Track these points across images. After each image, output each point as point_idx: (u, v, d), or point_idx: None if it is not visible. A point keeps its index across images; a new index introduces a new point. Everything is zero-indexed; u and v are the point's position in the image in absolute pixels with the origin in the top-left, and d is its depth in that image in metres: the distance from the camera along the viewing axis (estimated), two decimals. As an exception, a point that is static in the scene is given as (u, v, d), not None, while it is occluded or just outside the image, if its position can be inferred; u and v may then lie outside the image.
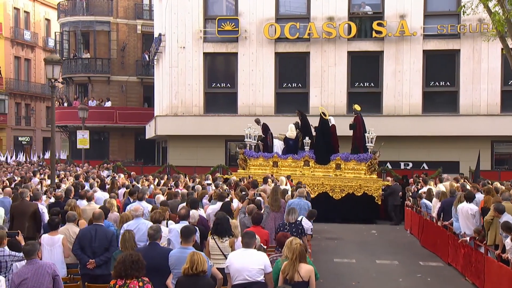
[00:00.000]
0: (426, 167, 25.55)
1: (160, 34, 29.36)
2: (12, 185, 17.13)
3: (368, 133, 21.32)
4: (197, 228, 9.40)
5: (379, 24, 25.85)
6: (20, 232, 9.38)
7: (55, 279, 7.35)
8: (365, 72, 26.88)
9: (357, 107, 22.32)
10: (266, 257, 7.84)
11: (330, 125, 22.04)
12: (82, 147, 31.18)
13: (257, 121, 23.22)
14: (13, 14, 51.51)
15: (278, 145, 23.06)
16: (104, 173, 26.20)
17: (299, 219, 11.00)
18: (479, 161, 22.79)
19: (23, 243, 8.73)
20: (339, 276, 13.02)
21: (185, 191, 15.09)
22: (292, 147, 22.46)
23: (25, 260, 8.01)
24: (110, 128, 40.93)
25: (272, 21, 26.53)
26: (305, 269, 7.30)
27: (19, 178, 21.18)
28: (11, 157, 43.12)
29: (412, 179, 21.44)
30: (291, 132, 22.51)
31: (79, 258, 9.40)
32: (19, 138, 53.40)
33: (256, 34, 26.73)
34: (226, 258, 8.81)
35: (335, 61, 26.37)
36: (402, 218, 21.65)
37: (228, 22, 26.77)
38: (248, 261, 7.64)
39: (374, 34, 26.06)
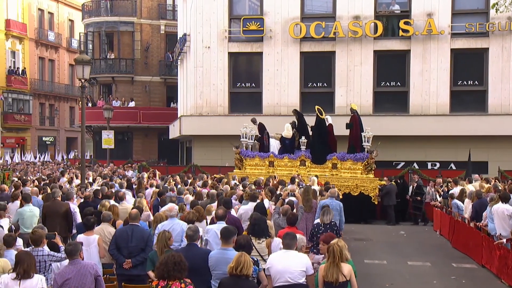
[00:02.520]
0: (453, 167, 25.25)
1: (184, 34, 29.39)
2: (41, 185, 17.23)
3: (365, 133, 21.03)
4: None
5: (406, 23, 25.58)
6: (57, 233, 9.39)
7: (97, 279, 7.34)
8: (391, 71, 26.63)
9: (353, 106, 22.08)
10: (307, 259, 7.72)
11: (327, 124, 21.82)
12: (107, 147, 31.34)
13: (253, 121, 23.10)
14: (37, 15, 52.05)
15: (274, 145, 22.91)
16: (129, 173, 26.27)
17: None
18: (469, 159, 22.65)
19: (60, 244, 8.79)
20: (371, 278, 12.80)
21: (214, 191, 15.00)
22: (288, 146, 22.29)
23: (65, 260, 8.07)
24: (133, 128, 41.15)
25: (297, 21, 26.40)
26: (347, 268, 7.22)
27: (46, 178, 21.31)
28: (36, 157, 43.58)
29: (441, 179, 21.17)
30: (288, 132, 22.31)
31: (116, 258, 9.38)
32: (43, 138, 53.96)
33: (281, 33, 26.62)
34: (263, 259, 8.75)
35: (361, 60, 26.16)
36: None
37: (253, 22, 26.70)
38: (290, 263, 7.50)
39: (400, 33, 25.82)
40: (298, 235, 8.35)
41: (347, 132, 21.94)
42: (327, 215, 10.55)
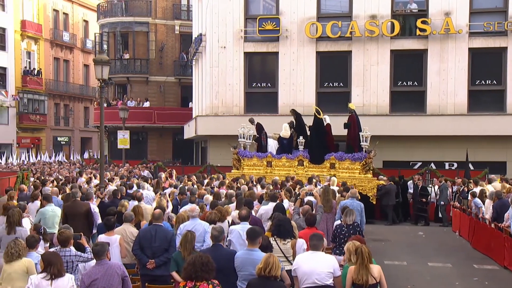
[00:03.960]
0: (471, 168, 25.00)
1: (200, 34, 29.36)
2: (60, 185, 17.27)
3: (363, 132, 20.94)
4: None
5: (423, 22, 25.33)
6: (82, 234, 9.40)
7: (124, 279, 7.35)
8: (408, 71, 26.38)
9: (351, 105, 21.98)
10: (335, 260, 7.68)
11: (325, 124, 21.74)
12: (123, 147, 31.39)
13: (251, 121, 23.06)
14: (52, 16, 52.35)
15: (272, 145, 22.88)
16: (145, 173, 26.29)
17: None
18: (467, 159, 22.57)
19: (86, 245, 8.80)
20: (392, 279, 12.64)
21: (232, 191, 14.94)
22: (286, 146, 22.24)
23: (91, 261, 8.09)
24: (148, 128, 41.23)
25: (313, 20, 26.26)
26: (376, 270, 7.22)
27: (63, 178, 21.39)
28: (51, 157, 43.80)
29: (460, 180, 20.97)
30: (285, 132, 22.28)
31: (139, 258, 9.37)
32: (58, 138, 54.28)
33: (297, 33, 26.49)
34: (288, 260, 8.69)
35: (378, 60, 25.97)
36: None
37: (269, 22, 26.58)
38: (317, 264, 7.47)
39: (418, 32, 25.55)
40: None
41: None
42: (350, 216, 10.48)
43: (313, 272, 7.40)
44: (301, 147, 21.71)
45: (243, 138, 22.51)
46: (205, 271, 6.44)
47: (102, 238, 9.66)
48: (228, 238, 9.42)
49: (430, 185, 22.00)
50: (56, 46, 52.76)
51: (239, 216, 9.77)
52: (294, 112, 22.72)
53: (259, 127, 22.90)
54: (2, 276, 7.82)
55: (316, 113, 21.58)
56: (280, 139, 22.49)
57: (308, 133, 22.09)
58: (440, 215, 21.23)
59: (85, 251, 8.50)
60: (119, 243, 9.71)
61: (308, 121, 22.15)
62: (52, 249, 8.45)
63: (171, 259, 8.67)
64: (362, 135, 20.86)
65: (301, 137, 21.87)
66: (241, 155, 22.08)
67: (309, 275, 7.41)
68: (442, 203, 21.02)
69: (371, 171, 20.98)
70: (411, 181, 22.12)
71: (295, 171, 21.07)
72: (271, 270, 6.60)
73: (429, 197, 21.33)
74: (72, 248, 8.31)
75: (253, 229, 8.04)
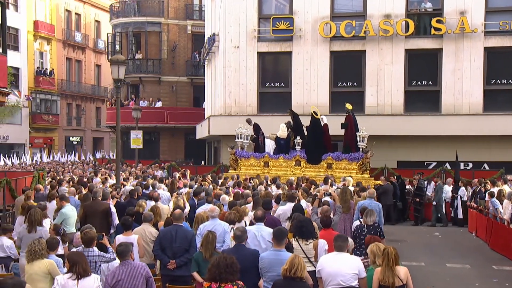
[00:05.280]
0: (487, 168, 24.86)
1: (213, 34, 29.32)
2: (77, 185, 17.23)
3: (360, 132, 20.86)
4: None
5: (438, 21, 25.17)
6: (104, 234, 9.39)
7: (148, 280, 7.31)
8: (423, 70, 26.21)
9: (348, 106, 21.83)
10: (360, 262, 7.59)
11: (322, 124, 21.64)
12: (136, 147, 31.34)
13: (248, 121, 23.01)
14: (64, 16, 52.51)
15: (269, 145, 22.80)
16: (158, 173, 26.26)
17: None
18: (457, 160, 22.33)
19: (108, 245, 8.77)
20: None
21: (248, 191, 14.86)
22: (283, 147, 22.23)
23: (114, 261, 8.09)
24: (160, 128, 41.26)
25: (327, 19, 26.16)
26: (403, 271, 7.13)
27: (77, 178, 21.36)
28: (63, 157, 43.92)
29: (477, 180, 20.80)
30: (282, 132, 22.24)
31: (160, 258, 9.34)
32: (70, 138, 54.44)
33: (311, 32, 26.40)
34: (310, 260, 8.61)
35: (392, 59, 25.83)
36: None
37: (282, 21, 26.50)
38: (342, 266, 7.37)
39: (432, 31, 25.40)
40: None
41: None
42: (370, 217, 10.39)
43: (338, 274, 7.31)
44: (298, 147, 21.76)
45: (241, 138, 22.54)
46: (230, 272, 6.41)
47: (120, 238, 9.63)
48: None
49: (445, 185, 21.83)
50: (68, 46, 52.96)
51: (254, 217, 9.69)
52: (291, 112, 22.71)
53: (256, 128, 22.89)
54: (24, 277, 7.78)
55: (313, 113, 21.52)
56: (277, 139, 22.51)
57: (306, 133, 22.06)
58: (439, 215, 21.10)
59: (107, 251, 8.49)
60: (137, 242, 9.67)
61: (307, 122, 22.15)
62: (75, 249, 8.44)
63: (192, 259, 8.62)
64: (359, 135, 20.84)
65: (298, 137, 21.89)
66: (238, 156, 22.11)
67: (334, 277, 7.31)
68: (434, 203, 21.01)
69: (368, 171, 20.92)
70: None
71: (292, 171, 21.04)
72: (296, 271, 6.54)
73: (423, 197, 21.27)
74: (95, 248, 8.31)
75: (280, 230, 7.95)
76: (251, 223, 10.51)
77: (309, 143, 21.68)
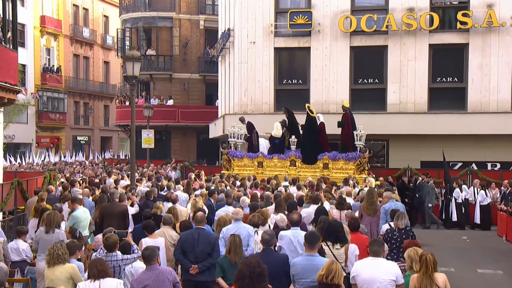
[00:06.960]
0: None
1: (228, 29, 28.45)
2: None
3: (358, 131, 20.24)
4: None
5: (464, 15, 24.21)
6: (128, 232, 9.16)
7: (175, 286, 7.07)
8: (448, 66, 25.24)
9: (345, 103, 21.37)
10: (397, 267, 7.24)
11: (319, 123, 20.98)
12: (147, 147, 30.56)
13: (242, 120, 22.40)
14: (72, 11, 51.58)
15: (263, 145, 22.23)
16: (172, 174, 25.43)
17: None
18: (444, 160, 21.77)
19: (132, 242, 8.56)
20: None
21: (269, 193, 14.06)
22: (278, 146, 21.60)
23: (136, 260, 7.93)
24: (171, 127, 40.37)
25: (347, 13, 25.21)
26: (442, 279, 6.82)
27: (87, 179, 20.71)
28: (71, 157, 42.95)
29: (507, 181, 19.94)
30: (277, 131, 21.61)
31: (182, 263, 8.90)
32: (78, 138, 53.43)
33: (330, 27, 25.45)
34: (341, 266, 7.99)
35: (415, 55, 24.87)
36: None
37: (300, 15, 25.55)
38: (379, 271, 7.04)
39: (458, 25, 24.46)
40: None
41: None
42: (402, 219, 9.91)
43: (374, 280, 7.00)
44: (293, 147, 21.21)
45: (234, 137, 21.86)
46: (260, 281, 6.09)
47: (147, 241, 9.15)
48: (278, 244, 8.84)
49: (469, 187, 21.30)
50: (76, 42, 51.98)
51: (290, 221, 9.23)
52: (286, 111, 22.07)
53: (250, 126, 22.27)
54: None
55: (308, 111, 20.77)
56: (271, 139, 21.91)
57: (301, 132, 21.36)
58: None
59: (131, 248, 8.26)
60: (164, 245, 9.30)
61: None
62: (97, 254, 8.18)
63: (216, 264, 8.29)
64: (356, 134, 20.24)
65: (293, 137, 21.30)
66: (231, 155, 21.43)
67: (370, 283, 7.01)
68: (430, 205, 20.61)
69: (366, 172, 20.27)
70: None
71: (287, 172, 20.47)
72: (333, 277, 6.29)
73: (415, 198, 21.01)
74: (119, 252, 8.07)
75: (313, 233, 7.71)
76: (276, 226, 10.07)
77: (304, 142, 21.01)
